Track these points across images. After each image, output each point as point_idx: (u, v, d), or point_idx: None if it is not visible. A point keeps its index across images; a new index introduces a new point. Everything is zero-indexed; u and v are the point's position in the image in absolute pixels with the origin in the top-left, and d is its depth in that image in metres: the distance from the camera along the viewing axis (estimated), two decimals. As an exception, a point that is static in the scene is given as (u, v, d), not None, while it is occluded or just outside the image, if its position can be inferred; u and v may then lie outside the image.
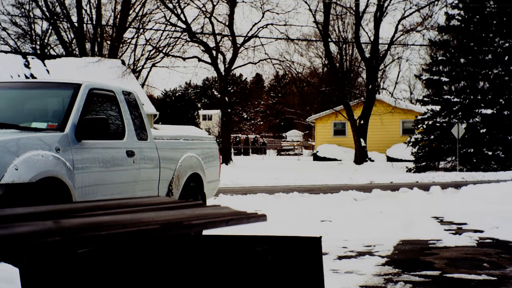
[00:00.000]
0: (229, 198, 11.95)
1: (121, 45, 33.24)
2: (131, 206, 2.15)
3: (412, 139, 25.46)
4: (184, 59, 29.38)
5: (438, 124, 24.58)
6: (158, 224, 1.71)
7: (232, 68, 29.92)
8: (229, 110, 30.69)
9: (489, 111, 23.45)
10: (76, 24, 32.62)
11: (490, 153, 23.33)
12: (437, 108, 25.21)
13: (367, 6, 29.98)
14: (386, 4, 29.11)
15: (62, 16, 33.72)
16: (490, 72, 24.14)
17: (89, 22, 33.41)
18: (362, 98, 31.50)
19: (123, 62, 27.88)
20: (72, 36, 33.83)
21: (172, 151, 6.63)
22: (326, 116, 35.04)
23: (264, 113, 67.60)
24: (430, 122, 24.90)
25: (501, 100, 23.65)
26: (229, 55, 29.45)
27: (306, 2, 30.13)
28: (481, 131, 23.40)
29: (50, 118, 5.39)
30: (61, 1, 32.52)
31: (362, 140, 29.24)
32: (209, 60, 29.17)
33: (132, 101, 6.18)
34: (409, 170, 24.97)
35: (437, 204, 10.19)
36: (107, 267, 2.31)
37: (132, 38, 33.98)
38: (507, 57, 23.98)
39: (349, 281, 4.56)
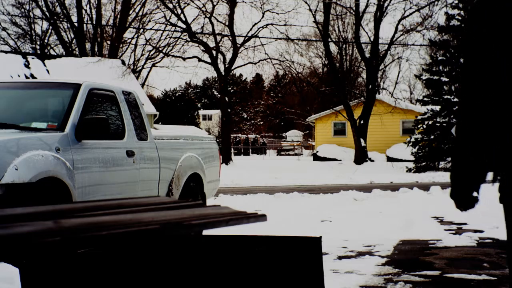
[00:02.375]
0: (229, 198, 11.95)
1: (121, 45, 33.24)
2: (131, 206, 2.16)
3: (412, 139, 25.46)
4: (184, 59, 29.38)
5: (438, 124, 24.58)
6: (158, 224, 1.71)
7: (232, 68, 29.92)
8: (229, 110, 30.69)
9: (489, 111, 23.43)
10: (76, 24, 32.62)
11: (490, 153, 23.31)
12: (437, 108, 25.21)
13: (367, 6, 29.98)
14: (386, 4, 29.10)
15: (62, 16, 33.73)
16: (490, 72, 24.12)
17: (89, 22, 33.42)
18: (362, 98, 31.49)
19: (123, 62, 27.88)
20: (72, 36, 33.84)
21: (172, 151, 6.63)
22: (326, 116, 35.03)
23: (264, 113, 67.59)
24: (430, 122, 24.90)
25: (501, 100, 23.64)
26: (229, 55, 29.47)
27: (306, 2, 30.10)
28: (481, 131, 23.38)
29: (50, 118, 5.39)
30: (61, 1, 32.53)
31: (362, 140, 29.24)
32: (209, 60, 29.17)
33: (132, 101, 6.18)
34: (409, 170, 24.97)
35: (437, 204, 10.19)
36: (107, 267, 2.31)
37: (132, 38, 33.98)
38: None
39: (349, 281, 4.56)
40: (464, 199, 2.10)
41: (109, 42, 33.46)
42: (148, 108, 22.57)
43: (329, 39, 31.35)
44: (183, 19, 28.26)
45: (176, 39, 30.21)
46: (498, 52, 1.91)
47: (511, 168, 1.93)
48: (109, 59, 27.33)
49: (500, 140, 1.93)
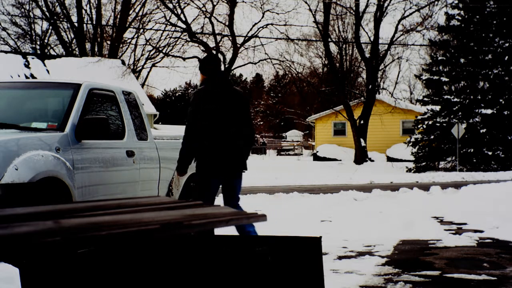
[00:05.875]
0: (229, 198, 11.91)
1: (121, 45, 33.25)
2: (131, 206, 2.16)
3: (412, 139, 25.46)
4: (184, 59, 29.38)
5: (438, 124, 24.58)
6: (158, 224, 1.71)
7: (232, 68, 29.91)
8: (229, 110, 30.62)
9: (489, 111, 23.44)
10: (76, 24, 32.63)
11: (490, 153, 23.33)
12: (437, 108, 25.20)
13: (367, 6, 30.00)
14: (386, 4, 29.12)
15: (62, 16, 33.74)
16: (490, 72, 24.13)
17: (89, 22, 33.42)
18: (362, 98, 31.50)
19: (123, 62, 27.88)
20: (72, 36, 33.85)
21: (172, 151, 6.63)
22: (326, 116, 35.03)
23: (264, 113, 67.55)
24: (430, 122, 24.89)
25: (501, 100, 23.64)
26: (229, 55, 29.45)
27: (306, 2, 30.17)
28: (481, 131, 23.39)
29: (50, 118, 5.39)
30: (61, 1, 32.53)
31: (362, 140, 29.24)
32: (209, 60, 29.11)
33: (132, 101, 6.18)
34: (409, 170, 24.96)
35: (437, 204, 10.19)
36: (107, 267, 2.31)
37: (132, 38, 34.00)
38: (507, 57, 23.98)
39: (349, 281, 4.56)
40: (183, 172, 5.16)
41: (109, 42, 33.47)
42: (148, 108, 22.58)
43: (329, 39, 31.35)
44: (183, 19, 28.26)
45: (176, 39, 30.24)
46: (198, 112, 4.92)
47: (202, 159, 5.02)
48: (109, 59, 27.33)
49: (200, 147, 4.96)
